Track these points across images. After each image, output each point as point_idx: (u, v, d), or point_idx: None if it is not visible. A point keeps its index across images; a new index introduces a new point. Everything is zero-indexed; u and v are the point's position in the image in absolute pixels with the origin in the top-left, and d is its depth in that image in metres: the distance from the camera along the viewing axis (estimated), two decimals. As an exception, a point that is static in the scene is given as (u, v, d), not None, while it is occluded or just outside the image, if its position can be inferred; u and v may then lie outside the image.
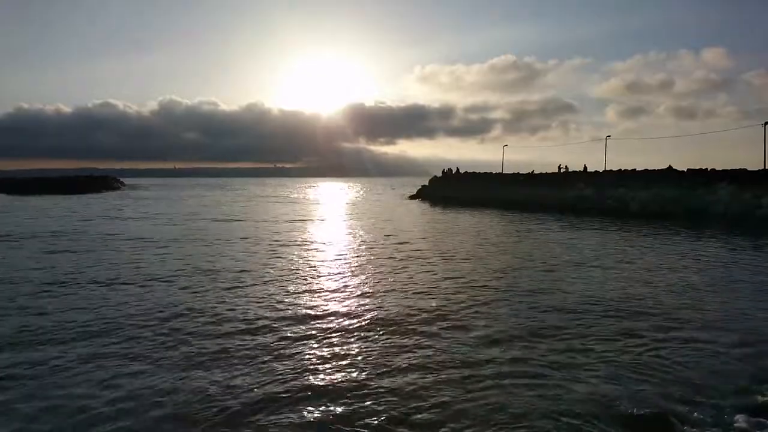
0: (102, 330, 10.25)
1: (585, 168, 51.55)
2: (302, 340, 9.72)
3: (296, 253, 21.04)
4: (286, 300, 12.81)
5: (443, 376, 7.98)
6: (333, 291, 13.97)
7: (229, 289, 13.95)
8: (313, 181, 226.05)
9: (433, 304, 12.34)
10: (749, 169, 37.48)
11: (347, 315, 11.52)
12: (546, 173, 55.07)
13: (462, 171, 67.00)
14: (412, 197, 69.85)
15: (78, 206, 51.25)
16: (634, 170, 44.61)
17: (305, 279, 15.54)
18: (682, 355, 8.93)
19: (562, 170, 53.81)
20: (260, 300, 12.76)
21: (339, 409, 6.91)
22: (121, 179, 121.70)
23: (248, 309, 11.84)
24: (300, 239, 26.00)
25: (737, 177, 36.42)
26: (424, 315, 11.44)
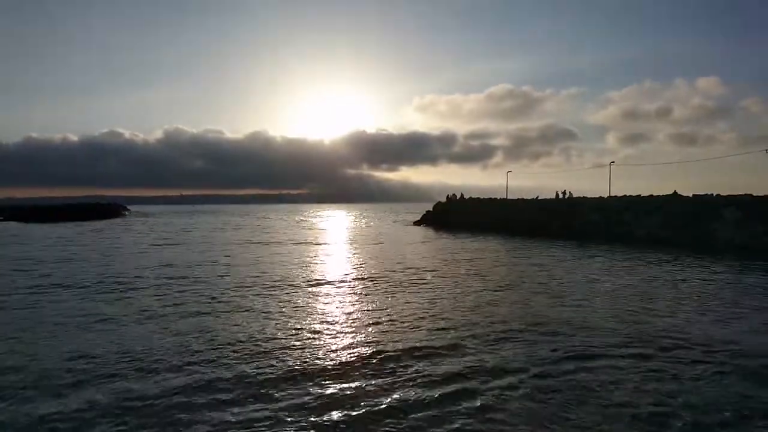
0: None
1: (561, 194, 53.14)
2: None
3: (308, 286, 21.03)
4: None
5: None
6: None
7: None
8: (318, 208, 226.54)
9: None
10: (754, 194, 37.25)
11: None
12: (550, 199, 55.09)
13: (466, 197, 67.12)
14: (416, 223, 69.95)
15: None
16: (639, 196, 44.58)
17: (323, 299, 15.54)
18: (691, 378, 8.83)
19: (560, 196, 53.97)
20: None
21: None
22: (128, 206, 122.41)
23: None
24: (309, 269, 26.02)
25: (743, 203, 36.17)
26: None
